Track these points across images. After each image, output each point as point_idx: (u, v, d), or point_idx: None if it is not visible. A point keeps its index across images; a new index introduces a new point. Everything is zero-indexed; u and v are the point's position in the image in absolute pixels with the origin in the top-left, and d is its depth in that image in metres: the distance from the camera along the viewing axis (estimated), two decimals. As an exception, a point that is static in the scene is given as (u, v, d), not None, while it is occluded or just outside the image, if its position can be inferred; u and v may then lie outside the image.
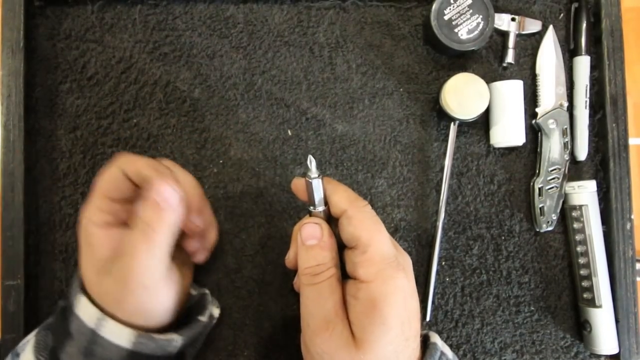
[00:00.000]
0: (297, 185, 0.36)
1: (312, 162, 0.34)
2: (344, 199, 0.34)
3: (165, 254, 0.33)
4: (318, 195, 0.34)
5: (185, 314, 0.39)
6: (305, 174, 0.34)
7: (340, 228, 0.34)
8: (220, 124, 0.47)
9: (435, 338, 0.36)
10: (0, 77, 0.44)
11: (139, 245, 0.32)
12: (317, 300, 0.33)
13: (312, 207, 0.35)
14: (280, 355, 0.45)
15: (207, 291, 0.42)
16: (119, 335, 0.33)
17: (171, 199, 0.33)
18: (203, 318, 0.39)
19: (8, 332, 0.43)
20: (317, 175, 0.34)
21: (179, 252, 0.39)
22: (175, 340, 0.35)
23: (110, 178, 0.35)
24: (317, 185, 0.34)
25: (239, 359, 0.45)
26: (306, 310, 0.33)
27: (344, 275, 0.35)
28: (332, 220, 0.35)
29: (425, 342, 0.36)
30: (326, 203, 0.35)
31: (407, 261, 0.34)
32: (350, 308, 0.32)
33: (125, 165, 0.34)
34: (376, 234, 0.32)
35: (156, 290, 0.34)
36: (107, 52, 0.46)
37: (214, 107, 0.47)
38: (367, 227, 0.33)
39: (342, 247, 0.35)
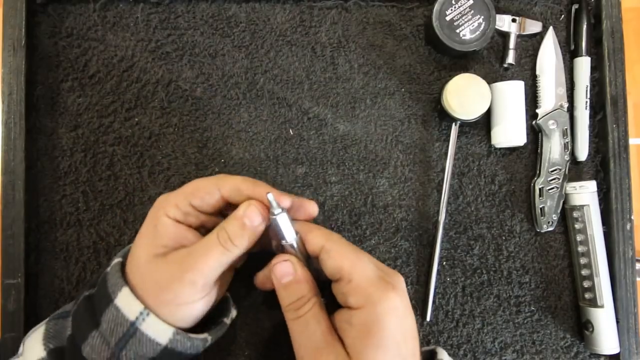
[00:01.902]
0: (261, 278, 0.39)
1: (272, 200, 0.35)
2: (318, 236, 0.35)
3: (227, 266, 0.35)
4: (286, 230, 0.35)
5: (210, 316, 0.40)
6: (270, 212, 0.35)
7: (322, 264, 0.35)
8: (222, 123, 0.47)
9: (442, 354, 0.36)
10: (1, 75, 0.44)
11: (215, 248, 0.34)
12: (305, 333, 0.34)
13: (283, 241, 0.36)
14: (280, 355, 0.45)
15: (228, 294, 0.42)
16: (159, 331, 0.34)
17: (258, 225, 0.35)
18: (227, 320, 0.40)
19: (8, 331, 0.43)
20: (280, 211, 0.35)
21: None
22: (208, 341, 0.37)
23: (203, 188, 0.36)
24: (283, 220, 0.35)
25: (240, 358, 0.45)
26: (297, 344, 0.34)
27: (337, 305, 0.35)
28: (310, 258, 0.37)
29: (431, 357, 0.37)
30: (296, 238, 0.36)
31: (396, 279, 0.34)
32: (345, 334, 0.33)
33: (223, 183, 0.36)
34: (356, 261, 0.33)
35: (200, 292, 0.35)
36: (108, 51, 0.46)
37: (216, 106, 0.47)
38: (346, 256, 0.34)
39: (328, 282, 0.36)
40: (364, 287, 0.33)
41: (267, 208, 0.36)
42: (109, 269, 0.36)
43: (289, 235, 0.35)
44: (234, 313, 0.41)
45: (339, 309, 0.35)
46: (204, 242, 0.35)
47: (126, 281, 0.35)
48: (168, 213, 0.36)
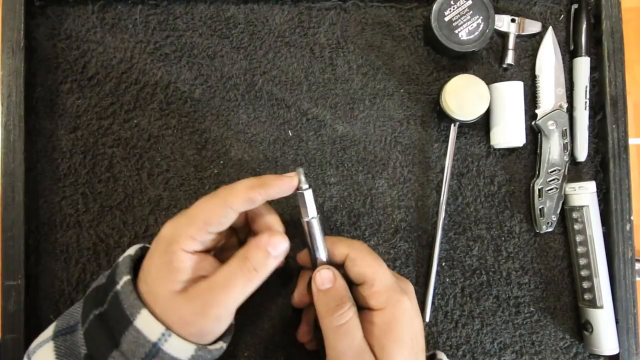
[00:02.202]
0: (297, 296, 0.41)
1: (301, 174, 0.37)
2: (343, 246, 0.38)
3: (250, 294, 0.36)
4: (310, 206, 0.38)
5: None
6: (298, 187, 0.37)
7: (347, 270, 0.38)
8: (220, 125, 0.47)
9: (441, 355, 0.40)
10: (0, 77, 0.44)
11: (237, 280, 0.35)
12: (346, 339, 0.36)
13: (306, 218, 0.38)
14: (280, 355, 0.45)
15: None
16: (181, 350, 0.34)
17: (282, 252, 0.37)
18: (233, 321, 0.40)
19: (8, 332, 0.43)
20: (307, 187, 0.38)
21: None
22: (224, 349, 0.37)
23: (216, 213, 0.35)
24: (309, 196, 0.38)
25: (240, 359, 0.45)
26: (334, 350, 0.36)
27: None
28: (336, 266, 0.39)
29: (432, 358, 0.40)
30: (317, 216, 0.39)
31: (408, 286, 0.39)
32: (368, 333, 0.36)
33: (232, 200, 0.35)
34: (378, 269, 0.37)
35: (225, 322, 0.36)
36: (107, 53, 0.46)
37: (215, 108, 0.47)
38: (369, 264, 0.37)
39: (350, 285, 0.39)
40: (384, 291, 0.36)
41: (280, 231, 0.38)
42: (119, 287, 0.35)
43: (312, 211, 0.38)
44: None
45: (359, 311, 0.37)
46: (225, 273, 0.35)
47: (143, 303, 0.34)
48: (185, 247, 0.35)
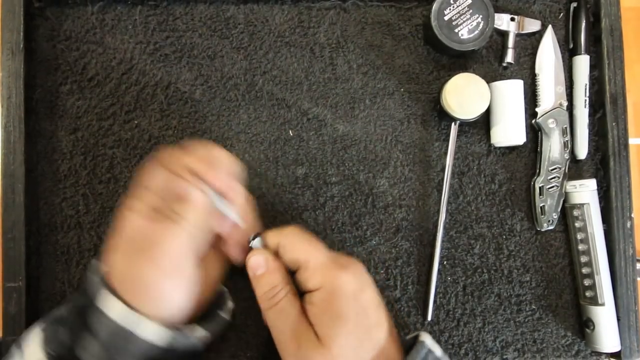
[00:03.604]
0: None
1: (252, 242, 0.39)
2: (274, 236, 0.39)
3: (193, 244, 0.36)
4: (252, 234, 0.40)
5: (206, 311, 0.41)
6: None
7: (282, 258, 0.38)
8: (221, 125, 0.47)
9: (424, 337, 0.38)
10: (0, 78, 0.44)
11: (169, 229, 0.34)
12: (281, 318, 0.36)
13: (250, 245, 0.40)
14: (282, 355, 0.45)
15: (225, 289, 0.43)
16: (155, 334, 0.34)
17: (199, 198, 0.36)
18: (223, 313, 0.41)
19: (9, 334, 0.43)
20: (255, 236, 0.39)
21: (214, 252, 0.41)
22: (199, 332, 0.37)
23: (155, 175, 0.36)
24: (256, 244, 0.39)
25: (241, 359, 0.45)
26: (276, 332, 0.37)
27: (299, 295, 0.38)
28: None
29: (414, 341, 0.38)
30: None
31: (350, 263, 0.38)
32: (309, 313, 0.36)
33: (170, 163, 0.36)
34: (310, 250, 0.37)
35: (169, 275, 0.35)
36: (107, 54, 0.46)
37: (215, 108, 0.47)
38: (299, 248, 0.38)
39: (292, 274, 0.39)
40: (319, 269, 0.36)
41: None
42: (88, 269, 0.37)
43: (252, 237, 0.40)
44: (230, 304, 0.42)
45: (301, 297, 0.38)
46: (159, 228, 0.35)
47: (105, 283, 0.35)
48: (139, 213, 0.36)
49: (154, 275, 0.34)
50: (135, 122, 0.46)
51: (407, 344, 0.38)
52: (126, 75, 0.46)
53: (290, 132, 0.47)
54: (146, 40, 0.47)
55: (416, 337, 0.38)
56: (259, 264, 0.38)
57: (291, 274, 0.39)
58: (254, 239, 0.39)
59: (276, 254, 0.39)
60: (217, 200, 0.37)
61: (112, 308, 0.34)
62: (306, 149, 0.47)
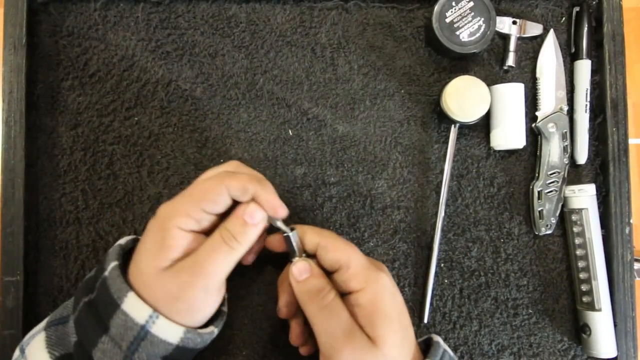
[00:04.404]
0: (272, 241, 0.41)
1: (280, 222, 0.38)
2: (313, 236, 0.38)
3: (234, 264, 0.36)
4: (298, 246, 0.39)
5: None
6: (280, 231, 0.39)
7: (320, 259, 0.38)
8: (221, 123, 0.47)
9: (437, 338, 0.39)
10: (2, 73, 0.44)
11: (219, 249, 0.35)
12: (332, 318, 0.36)
13: (294, 258, 0.39)
14: (278, 355, 0.45)
15: None
16: (170, 332, 0.34)
17: (259, 222, 0.36)
18: (225, 308, 0.41)
19: (7, 328, 0.43)
20: (290, 229, 0.39)
21: None
22: (215, 333, 0.37)
23: (212, 190, 0.36)
24: (294, 237, 0.39)
25: (238, 358, 0.45)
26: (324, 333, 0.36)
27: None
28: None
29: (427, 344, 0.39)
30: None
31: (382, 265, 0.39)
32: (358, 315, 0.36)
33: (230, 182, 0.36)
34: (351, 252, 0.37)
35: (213, 295, 0.36)
36: (109, 50, 0.46)
37: (216, 107, 0.47)
38: (341, 248, 0.37)
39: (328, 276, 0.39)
40: (361, 271, 0.36)
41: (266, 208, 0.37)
42: (107, 273, 0.35)
43: (299, 250, 0.39)
44: (225, 295, 0.42)
45: (343, 297, 0.37)
46: (208, 245, 0.36)
47: (130, 286, 0.35)
48: (180, 225, 0.35)
49: (196, 300, 0.35)
50: (136, 118, 0.46)
51: (421, 347, 0.39)
52: (127, 72, 0.46)
53: (290, 131, 0.47)
54: (148, 37, 0.47)
55: (429, 340, 0.40)
56: (304, 269, 0.38)
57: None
58: (290, 231, 0.39)
59: (312, 255, 0.39)
60: (273, 220, 0.38)
61: (136, 310, 0.34)
62: (305, 148, 0.47)
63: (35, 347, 0.36)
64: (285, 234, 0.39)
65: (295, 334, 0.41)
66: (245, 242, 0.36)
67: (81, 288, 0.37)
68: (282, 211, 0.37)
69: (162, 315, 0.34)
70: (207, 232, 0.37)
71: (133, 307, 0.34)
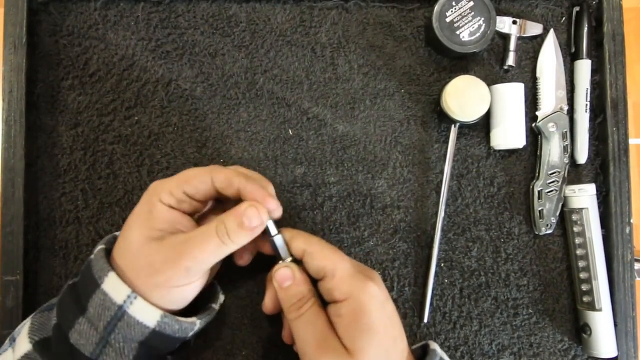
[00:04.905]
0: (261, 243, 0.41)
1: (269, 223, 0.38)
2: (300, 241, 0.38)
3: (221, 258, 0.36)
4: (282, 250, 0.38)
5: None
6: (266, 234, 0.38)
7: (306, 265, 0.38)
8: (221, 123, 0.47)
9: (434, 345, 0.39)
10: (2, 72, 0.44)
11: (212, 240, 0.35)
12: (306, 327, 0.36)
13: (281, 261, 0.39)
14: (278, 354, 0.45)
15: (215, 282, 0.43)
16: (147, 314, 0.34)
17: (255, 227, 0.36)
18: (215, 306, 0.41)
19: (7, 327, 0.43)
20: (276, 232, 0.38)
21: None
22: (196, 325, 0.37)
23: (197, 176, 0.37)
24: (279, 241, 0.38)
25: (237, 358, 0.45)
26: (300, 341, 0.36)
27: (324, 304, 0.38)
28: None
29: (424, 350, 0.39)
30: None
31: (372, 273, 0.38)
32: (337, 326, 0.36)
33: (216, 173, 0.37)
34: (337, 259, 0.37)
35: (193, 278, 0.36)
36: (109, 50, 0.47)
37: (216, 106, 0.47)
38: (327, 256, 0.37)
39: (314, 283, 0.38)
40: (346, 280, 0.36)
41: (263, 208, 0.37)
42: (92, 256, 0.37)
43: (284, 253, 0.39)
44: (221, 298, 0.42)
45: (327, 306, 0.37)
46: (203, 231, 0.36)
47: (112, 267, 0.35)
48: (162, 199, 0.36)
49: (174, 276, 0.35)
50: (136, 118, 0.46)
51: (417, 353, 0.39)
52: (127, 72, 0.46)
53: (290, 131, 0.47)
54: (148, 37, 0.47)
55: (426, 346, 0.39)
56: (286, 276, 0.37)
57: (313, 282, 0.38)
58: (274, 235, 0.38)
59: (298, 260, 0.39)
60: (269, 224, 0.38)
61: (116, 289, 0.34)
62: (305, 148, 0.47)
63: (21, 334, 0.36)
64: (270, 237, 0.38)
65: (287, 333, 0.41)
66: (237, 241, 0.36)
67: (71, 280, 0.38)
68: (271, 206, 0.37)
69: (140, 295, 0.34)
70: (192, 215, 0.39)
71: (112, 287, 0.34)
